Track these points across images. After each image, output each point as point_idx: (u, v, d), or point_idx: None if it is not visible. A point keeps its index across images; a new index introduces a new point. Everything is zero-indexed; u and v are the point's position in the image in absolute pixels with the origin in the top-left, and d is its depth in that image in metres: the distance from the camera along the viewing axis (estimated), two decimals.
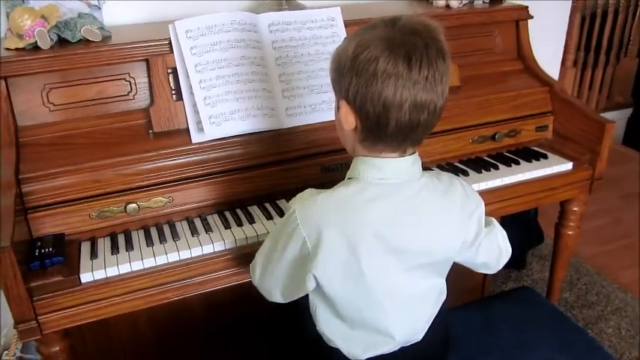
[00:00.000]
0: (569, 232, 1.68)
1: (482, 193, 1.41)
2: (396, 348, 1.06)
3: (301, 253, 0.95)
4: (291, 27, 1.39)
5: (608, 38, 3.55)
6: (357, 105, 0.89)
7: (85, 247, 1.21)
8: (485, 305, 1.39)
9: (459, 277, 2.00)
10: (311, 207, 0.94)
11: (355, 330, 1.04)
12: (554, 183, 1.52)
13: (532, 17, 1.71)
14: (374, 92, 0.86)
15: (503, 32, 1.71)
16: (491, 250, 1.10)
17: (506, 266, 2.24)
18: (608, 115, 3.70)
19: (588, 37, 3.55)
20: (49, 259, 1.13)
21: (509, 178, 1.48)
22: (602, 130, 1.50)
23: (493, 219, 1.12)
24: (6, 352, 1.49)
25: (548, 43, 2.17)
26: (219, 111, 1.28)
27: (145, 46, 1.30)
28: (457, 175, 1.45)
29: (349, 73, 0.88)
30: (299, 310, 1.13)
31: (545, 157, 1.57)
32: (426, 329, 1.09)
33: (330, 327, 1.06)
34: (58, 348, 1.17)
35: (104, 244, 1.23)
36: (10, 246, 1.00)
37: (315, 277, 0.96)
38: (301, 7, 1.57)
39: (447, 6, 1.68)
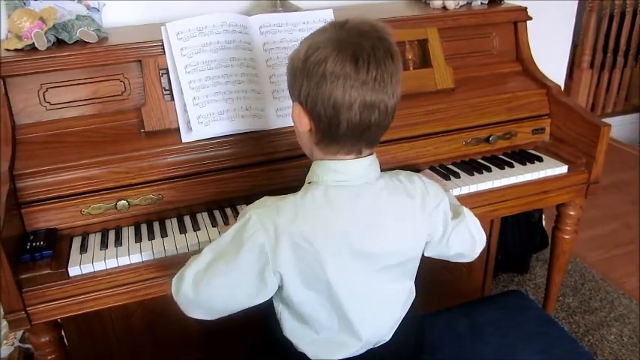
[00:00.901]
0: (566, 237, 1.66)
1: (473, 196, 1.44)
2: (363, 350, 1.06)
3: (259, 261, 0.94)
4: (282, 29, 1.41)
5: (626, 40, 3.49)
6: (310, 107, 0.91)
7: (76, 242, 1.25)
8: (472, 309, 1.39)
9: (457, 278, 2.02)
10: (271, 213, 0.94)
11: (321, 334, 1.04)
12: (547, 186, 1.51)
13: (531, 18, 1.70)
14: (324, 93, 0.87)
15: (501, 34, 1.70)
16: (463, 241, 1.11)
17: (510, 270, 2.26)
18: (625, 118, 3.66)
19: (606, 38, 3.50)
20: (40, 252, 1.17)
21: (501, 180, 1.47)
22: (598, 132, 1.48)
23: (463, 208, 1.13)
24: (5, 341, 1.54)
25: (555, 44, 2.14)
26: (208, 111, 1.31)
27: (137, 48, 1.34)
28: (448, 177, 1.46)
29: (301, 75, 0.90)
30: (266, 316, 1.14)
31: (540, 159, 1.56)
32: (394, 330, 1.09)
33: (295, 333, 1.06)
34: (47, 338, 1.21)
35: (95, 239, 1.26)
36: None
37: (280, 284, 0.97)
38: (295, 9, 1.59)
39: (444, 7, 1.68)
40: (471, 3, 1.72)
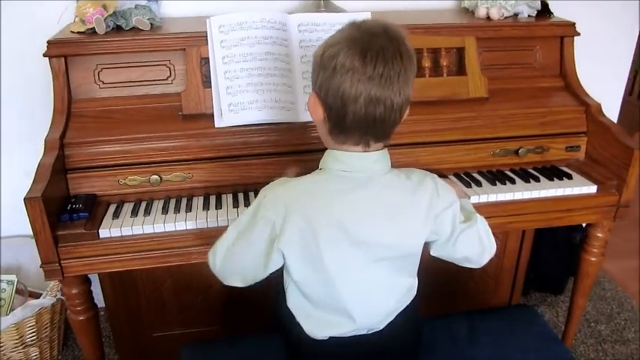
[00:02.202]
0: (592, 259, 1.61)
1: (491, 206, 1.45)
2: (354, 332, 1.11)
3: (270, 236, 1.03)
4: (320, 28, 1.48)
5: None
6: (323, 97, 0.98)
7: (112, 208, 1.38)
8: (477, 317, 1.40)
9: (483, 290, 2.01)
10: (280, 193, 1.03)
11: (318, 310, 1.11)
12: (571, 204, 1.48)
13: (579, 34, 1.67)
14: (334, 85, 0.94)
15: (546, 47, 1.68)
16: (471, 245, 1.13)
17: (544, 289, 2.21)
18: None
19: None
20: (77, 213, 1.31)
21: (523, 193, 1.46)
22: (631, 156, 1.44)
23: (477, 215, 1.15)
24: (50, 292, 1.72)
25: (611, 64, 2.08)
26: (239, 100, 1.40)
27: (183, 38, 1.46)
28: (469, 184, 1.48)
29: (318, 67, 0.97)
30: (276, 293, 1.21)
31: (569, 177, 1.53)
32: (389, 321, 1.13)
33: (297, 305, 1.14)
34: (77, 291, 1.35)
35: (128, 208, 1.39)
36: (40, 197, 1.19)
37: (284, 257, 1.05)
38: (339, 10, 1.65)
39: (488, 17, 1.69)
40: (517, 15, 1.71)
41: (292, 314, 1.15)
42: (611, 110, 2.15)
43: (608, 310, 2.14)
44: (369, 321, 1.12)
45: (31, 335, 1.69)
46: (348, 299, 1.07)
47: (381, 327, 1.14)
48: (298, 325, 1.14)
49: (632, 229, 2.73)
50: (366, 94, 0.93)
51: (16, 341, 1.66)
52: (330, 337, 1.12)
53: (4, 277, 1.80)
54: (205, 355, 1.30)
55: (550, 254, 2.10)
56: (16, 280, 1.80)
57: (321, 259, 1.03)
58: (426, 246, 1.13)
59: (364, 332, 1.13)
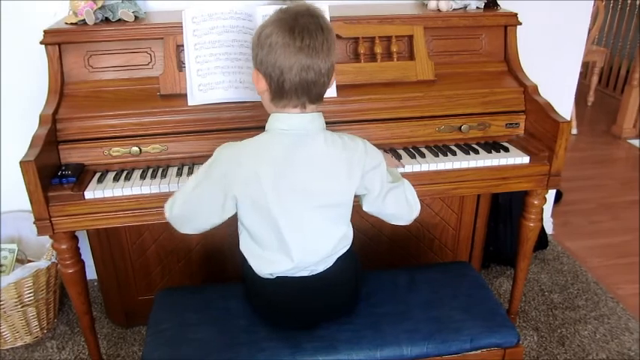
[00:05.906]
0: (530, 224, 1.79)
1: (432, 174, 1.63)
2: (293, 271, 1.29)
3: (223, 187, 1.22)
4: None
5: None
6: (264, 71, 1.17)
7: (97, 175, 1.58)
8: (418, 270, 1.57)
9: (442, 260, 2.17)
10: (231, 150, 1.23)
11: (265, 251, 1.29)
12: (506, 173, 1.66)
13: (520, 24, 1.85)
14: (272, 59, 1.14)
15: (491, 36, 1.86)
16: (399, 204, 1.32)
17: (503, 263, 2.38)
18: None
19: None
20: (66, 178, 1.50)
21: (461, 163, 1.64)
22: (557, 128, 1.61)
23: (404, 179, 1.35)
24: (45, 256, 1.91)
25: (564, 52, 2.26)
26: (207, 81, 1.60)
27: (162, 28, 1.66)
28: (414, 156, 1.66)
29: (256, 47, 1.18)
30: None
31: (506, 150, 1.71)
32: (328, 265, 1.32)
33: (247, 247, 1.33)
34: (66, 246, 1.54)
35: (111, 175, 1.58)
36: (33, 161, 1.38)
37: (237, 205, 1.24)
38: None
39: (438, 9, 1.87)
40: (466, 7, 1.90)
41: (245, 258, 1.34)
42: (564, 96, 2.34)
43: (562, 282, 2.29)
44: (306, 261, 1.29)
45: (28, 295, 1.89)
46: (289, 240, 1.25)
47: (320, 269, 1.32)
48: (250, 267, 1.33)
49: (598, 213, 2.89)
50: (298, 63, 1.13)
51: (16, 300, 1.86)
52: (277, 277, 1.31)
53: (6, 246, 2.01)
54: (175, 298, 1.49)
55: (506, 230, 2.27)
56: (16, 249, 2.01)
57: (268, 205, 1.21)
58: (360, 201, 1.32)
59: (306, 274, 1.31)
